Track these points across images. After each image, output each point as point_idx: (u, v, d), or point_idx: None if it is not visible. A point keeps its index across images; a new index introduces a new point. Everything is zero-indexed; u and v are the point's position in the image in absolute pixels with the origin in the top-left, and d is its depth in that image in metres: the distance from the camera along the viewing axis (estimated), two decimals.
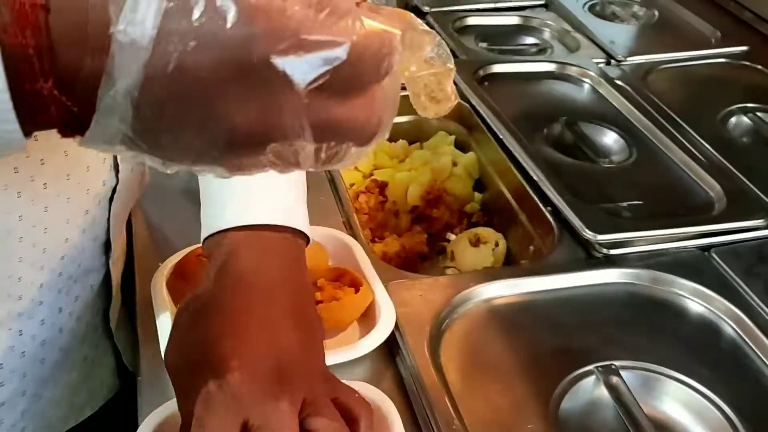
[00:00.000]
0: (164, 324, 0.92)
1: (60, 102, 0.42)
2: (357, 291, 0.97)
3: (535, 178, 1.22)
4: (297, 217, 0.83)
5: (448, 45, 1.63)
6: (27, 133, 0.42)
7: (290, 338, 0.70)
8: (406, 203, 1.38)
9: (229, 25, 0.39)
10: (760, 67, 1.63)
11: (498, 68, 1.54)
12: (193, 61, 0.40)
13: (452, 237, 1.32)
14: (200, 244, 1.00)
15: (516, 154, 1.28)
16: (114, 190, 0.90)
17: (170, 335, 0.73)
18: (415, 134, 1.53)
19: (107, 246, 0.93)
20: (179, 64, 0.40)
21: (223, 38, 0.40)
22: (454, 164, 1.44)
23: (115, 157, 0.88)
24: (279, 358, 0.67)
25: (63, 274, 0.87)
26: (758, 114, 1.48)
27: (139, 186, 0.99)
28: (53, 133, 0.44)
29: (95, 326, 0.98)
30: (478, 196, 1.42)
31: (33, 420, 0.92)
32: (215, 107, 0.42)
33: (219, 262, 0.76)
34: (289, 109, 0.42)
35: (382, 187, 1.37)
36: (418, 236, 1.33)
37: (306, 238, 0.83)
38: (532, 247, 1.22)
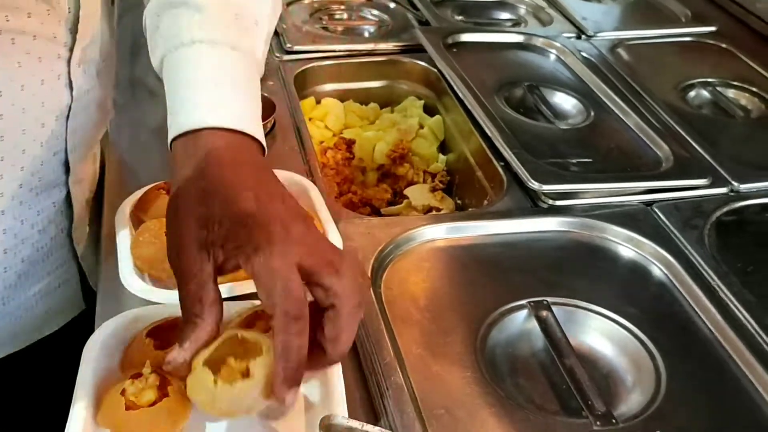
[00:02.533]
0: (124, 249, 0.99)
1: None
2: None
3: (489, 134, 1.27)
4: (260, 129, 0.84)
5: (423, 14, 1.71)
6: None
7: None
8: (372, 161, 1.44)
9: None
10: (724, 45, 1.69)
11: (467, 37, 1.59)
12: None
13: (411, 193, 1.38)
14: (162, 182, 1.07)
15: (476, 114, 1.34)
16: (70, 108, 0.95)
17: (170, 221, 0.74)
18: (387, 98, 1.60)
19: (68, 164, 0.99)
20: None
21: None
22: (421, 127, 1.50)
23: (68, 74, 0.93)
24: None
25: (24, 186, 0.93)
26: (718, 88, 1.54)
27: (100, 111, 1.02)
28: (6, 44, 0.51)
29: (61, 243, 1.04)
30: (442, 157, 1.48)
31: (2, 321, 1.00)
32: None
33: (201, 154, 0.76)
34: None
35: (350, 144, 1.43)
36: (382, 192, 1.39)
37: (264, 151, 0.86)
38: (486, 202, 1.27)
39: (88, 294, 1.11)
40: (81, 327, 1.08)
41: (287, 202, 0.74)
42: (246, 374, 0.75)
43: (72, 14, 0.90)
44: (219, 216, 0.70)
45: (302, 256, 0.69)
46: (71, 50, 0.91)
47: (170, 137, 0.79)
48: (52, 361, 1.08)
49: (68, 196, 1.02)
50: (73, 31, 0.91)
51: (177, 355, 0.73)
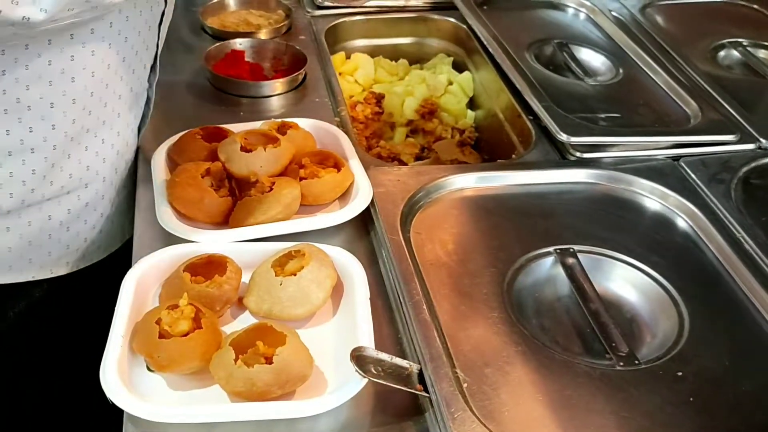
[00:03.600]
0: (160, 190, 1.02)
1: None
2: (339, 171, 1.05)
3: (519, 89, 1.28)
4: None
5: None
6: None
7: None
8: (402, 116, 1.46)
9: None
10: (756, 6, 1.68)
11: None
12: None
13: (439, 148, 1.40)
14: (198, 127, 1.10)
15: (506, 70, 1.35)
16: (163, 14, 1.06)
17: None
18: (416, 55, 1.61)
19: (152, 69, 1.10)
20: None
21: None
22: (451, 83, 1.51)
23: None
24: None
25: (133, 90, 1.05)
26: (748, 48, 1.53)
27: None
28: None
29: (132, 159, 1.12)
30: (471, 113, 1.49)
31: (107, 224, 1.09)
32: None
33: None
34: None
35: (379, 98, 1.44)
36: (411, 147, 1.41)
37: None
38: (514, 156, 1.28)
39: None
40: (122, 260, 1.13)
41: None
42: (269, 361, 0.78)
43: None
44: None
45: None
46: None
47: None
48: (97, 288, 1.11)
49: (147, 103, 1.11)
50: None
51: None
